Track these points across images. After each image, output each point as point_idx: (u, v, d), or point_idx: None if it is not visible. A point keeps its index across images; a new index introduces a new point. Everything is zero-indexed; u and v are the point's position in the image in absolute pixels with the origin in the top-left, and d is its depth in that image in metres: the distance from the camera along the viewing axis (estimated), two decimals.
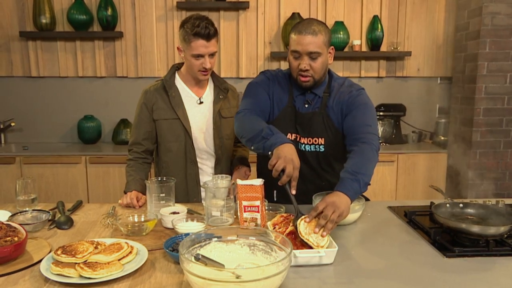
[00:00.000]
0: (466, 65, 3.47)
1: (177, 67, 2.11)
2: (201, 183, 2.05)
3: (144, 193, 1.87)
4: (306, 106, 1.81)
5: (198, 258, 1.07)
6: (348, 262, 1.31)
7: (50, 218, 1.63)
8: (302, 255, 1.26)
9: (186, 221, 1.52)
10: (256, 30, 3.66)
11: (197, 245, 1.20)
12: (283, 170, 1.44)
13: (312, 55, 1.68)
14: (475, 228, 1.38)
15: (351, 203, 1.44)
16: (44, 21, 3.45)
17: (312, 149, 1.81)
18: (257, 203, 1.49)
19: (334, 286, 1.18)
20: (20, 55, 3.60)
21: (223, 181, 1.74)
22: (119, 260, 1.24)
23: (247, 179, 2.04)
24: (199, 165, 2.07)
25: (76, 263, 1.20)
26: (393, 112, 3.70)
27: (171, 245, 1.34)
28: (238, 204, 1.54)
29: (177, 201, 1.78)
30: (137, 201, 1.84)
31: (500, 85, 3.33)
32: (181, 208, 1.67)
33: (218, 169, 2.08)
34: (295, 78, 1.76)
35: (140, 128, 2.05)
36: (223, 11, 3.62)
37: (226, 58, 3.69)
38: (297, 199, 1.47)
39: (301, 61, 1.70)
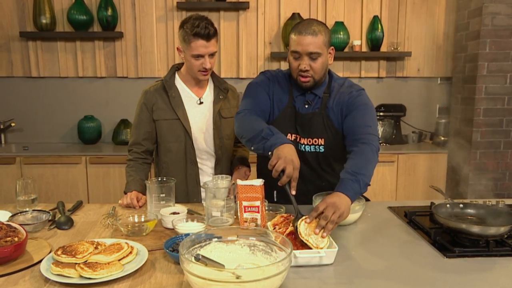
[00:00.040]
0: (466, 65, 3.47)
1: (177, 68, 2.11)
2: (201, 184, 2.05)
3: (144, 194, 1.87)
4: (306, 106, 1.81)
5: (198, 259, 1.07)
6: (348, 263, 1.31)
7: (50, 218, 1.63)
8: (302, 256, 1.26)
9: (186, 221, 1.52)
10: (256, 31, 3.66)
11: (197, 246, 1.20)
12: (283, 171, 1.44)
13: (312, 56, 1.68)
14: (475, 229, 1.38)
15: (352, 203, 1.44)
16: (44, 21, 3.45)
17: (312, 150, 1.81)
18: (257, 203, 1.49)
19: (334, 286, 1.18)
20: (20, 55, 3.60)
21: (223, 182, 1.74)
22: (119, 260, 1.24)
23: (247, 179, 2.04)
24: (199, 165, 2.07)
25: (76, 263, 1.20)
26: (393, 112, 3.70)
27: (171, 246, 1.34)
28: (238, 205, 1.54)
29: (177, 202, 1.78)
30: (137, 202, 1.84)
31: (500, 86, 3.33)
32: (181, 208, 1.67)
33: (218, 170, 2.08)
34: (295, 78, 1.76)
35: (140, 129, 2.05)
36: (223, 11, 3.63)
37: (226, 59, 3.69)
38: (297, 200, 1.47)
39: (301, 62, 1.70)
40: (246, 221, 1.51)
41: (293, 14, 3.57)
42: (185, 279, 1.17)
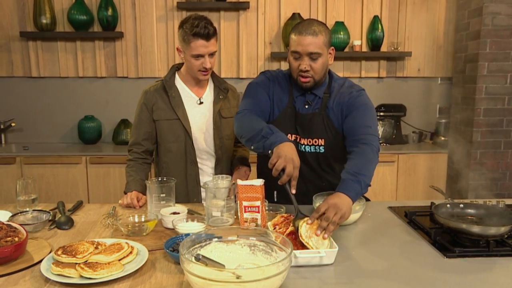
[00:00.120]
0: (466, 65, 3.47)
1: (177, 68, 2.11)
2: (201, 184, 2.05)
3: (144, 194, 1.87)
4: (306, 107, 1.81)
5: (199, 259, 1.07)
6: (349, 263, 1.31)
7: (50, 218, 1.63)
8: (303, 256, 1.26)
9: (187, 221, 1.52)
10: (257, 31, 3.66)
11: (197, 246, 1.20)
12: (283, 170, 1.44)
13: (313, 56, 1.68)
14: (476, 229, 1.38)
15: (353, 204, 1.44)
16: (44, 21, 3.45)
17: (312, 150, 1.81)
18: (258, 203, 1.49)
19: (334, 286, 1.18)
20: (20, 55, 3.60)
21: (224, 182, 1.74)
22: (119, 260, 1.24)
23: (247, 179, 2.04)
24: (199, 165, 2.07)
25: (76, 263, 1.20)
26: (394, 112, 3.70)
27: (171, 245, 1.34)
28: (238, 205, 1.54)
29: (177, 202, 1.78)
30: (137, 201, 1.84)
31: (501, 86, 3.33)
32: (182, 208, 1.67)
33: (218, 170, 2.08)
34: (295, 78, 1.76)
35: (140, 129, 2.05)
36: (224, 11, 3.62)
37: (226, 59, 3.69)
38: (297, 200, 1.47)
39: (301, 62, 1.70)
40: (246, 221, 1.51)
41: (293, 14, 3.57)
42: (185, 279, 1.17)
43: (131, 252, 1.28)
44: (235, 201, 1.65)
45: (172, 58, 3.64)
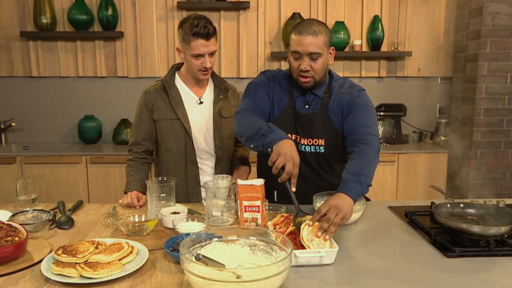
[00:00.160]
0: (466, 65, 3.47)
1: (177, 67, 2.11)
2: (202, 183, 2.05)
3: (144, 193, 1.87)
4: (306, 107, 1.81)
5: (199, 258, 1.07)
6: (349, 262, 1.31)
7: (50, 218, 1.63)
8: (303, 255, 1.26)
9: (187, 221, 1.52)
10: (257, 30, 3.66)
11: (197, 245, 1.20)
12: (283, 168, 1.44)
13: (313, 56, 1.68)
14: (476, 228, 1.38)
15: (354, 204, 1.43)
16: (44, 21, 3.45)
17: (312, 150, 1.81)
18: (258, 203, 1.49)
19: (334, 286, 1.18)
20: (20, 55, 3.60)
21: (224, 181, 1.74)
22: (119, 260, 1.24)
23: (247, 178, 2.04)
24: (199, 165, 2.07)
25: (76, 263, 1.20)
26: (394, 112, 3.70)
27: (171, 245, 1.34)
28: (238, 204, 1.54)
29: (177, 201, 1.78)
30: (138, 201, 1.84)
31: (501, 85, 3.33)
32: (182, 208, 1.67)
33: (219, 169, 2.08)
34: (296, 78, 1.76)
35: (140, 129, 2.05)
36: (224, 11, 3.62)
37: (226, 58, 3.69)
38: (297, 200, 1.47)
39: (301, 62, 1.70)
40: (247, 221, 1.51)
41: (294, 14, 3.57)
42: (186, 278, 1.17)
43: (131, 252, 1.28)
44: (235, 201, 1.65)
45: (172, 58, 3.64)
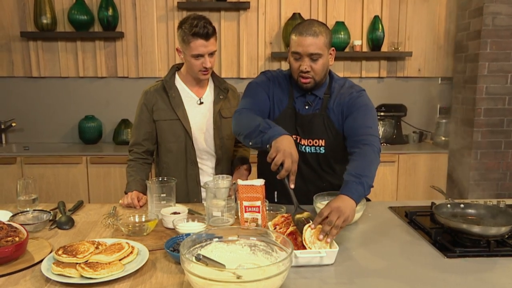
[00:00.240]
0: (467, 65, 3.47)
1: (177, 68, 2.11)
2: (202, 184, 2.05)
3: (144, 194, 1.87)
4: (307, 107, 1.81)
5: (199, 258, 1.07)
6: (349, 263, 1.31)
7: (51, 218, 1.63)
8: (303, 256, 1.26)
9: (187, 221, 1.52)
10: (257, 30, 3.66)
11: (198, 245, 1.20)
12: (282, 164, 1.44)
13: (313, 57, 1.68)
14: (476, 229, 1.37)
15: (356, 206, 1.43)
16: (45, 21, 3.45)
17: (312, 151, 1.81)
18: (258, 203, 1.49)
19: (335, 286, 1.18)
20: (21, 55, 3.60)
21: (224, 181, 1.74)
22: (120, 260, 1.24)
23: (247, 178, 2.04)
24: (199, 165, 2.07)
25: (77, 263, 1.20)
26: (394, 112, 3.70)
27: (172, 245, 1.34)
28: (239, 205, 1.54)
29: (177, 202, 1.78)
30: (138, 201, 1.84)
31: (501, 86, 3.33)
32: (182, 208, 1.67)
33: (219, 169, 2.08)
34: (296, 79, 1.76)
35: (140, 129, 2.05)
36: (224, 11, 3.62)
37: (226, 58, 3.69)
38: (298, 200, 1.47)
39: (301, 63, 1.70)
40: (247, 221, 1.51)
41: (294, 14, 3.57)
42: (186, 279, 1.17)
43: (131, 252, 1.28)
44: (236, 201, 1.65)
45: (173, 58, 3.64)
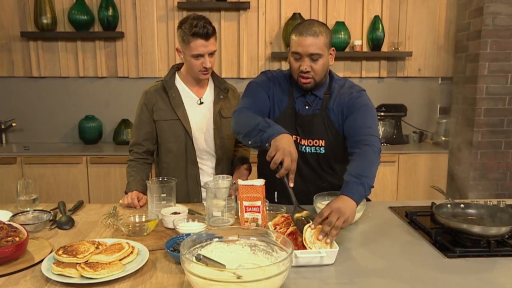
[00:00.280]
0: (467, 65, 3.47)
1: (177, 68, 2.11)
2: (202, 184, 2.05)
3: (145, 194, 1.87)
4: (307, 107, 1.81)
5: (199, 259, 1.07)
6: (349, 263, 1.31)
7: (51, 218, 1.63)
8: (303, 256, 1.26)
9: (187, 221, 1.52)
10: (257, 30, 3.67)
11: (198, 246, 1.20)
12: (281, 163, 1.44)
13: (313, 57, 1.68)
14: (476, 229, 1.37)
15: (357, 206, 1.43)
16: (45, 21, 3.45)
17: (312, 151, 1.81)
18: (258, 203, 1.49)
19: (335, 286, 1.18)
20: (21, 55, 3.61)
21: (224, 181, 1.74)
22: (120, 260, 1.24)
23: (247, 178, 2.04)
24: (199, 165, 2.07)
25: (77, 263, 1.20)
26: (394, 112, 3.70)
27: (172, 245, 1.34)
28: (239, 205, 1.54)
29: (177, 202, 1.78)
30: (138, 201, 1.84)
31: (501, 86, 3.33)
32: (182, 208, 1.67)
33: (219, 170, 2.08)
34: (296, 79, 1.76)
35: (141, 129, 2.05)
36: (224, 11, 3.62)
37: (227, 58, 3.69)
38: (298, 200, 1.47)
39: (302, 63, 1.69)
40: (247, 221, 1.51)
41: (294, 14, 3.57)
42: (186, 279, 1.17)
43: (131, 252, 1.29)
44: (236, 201, 1.65)
45: (173, 58, 3.64)
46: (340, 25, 3.59)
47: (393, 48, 3.71)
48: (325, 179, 1.85)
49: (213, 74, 2.10)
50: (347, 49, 3.67)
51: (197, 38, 1.87)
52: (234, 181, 1.72)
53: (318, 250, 1.28)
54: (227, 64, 3.69)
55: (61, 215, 1.65)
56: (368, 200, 1.90)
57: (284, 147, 1.45)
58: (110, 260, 1.22)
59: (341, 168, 1.57)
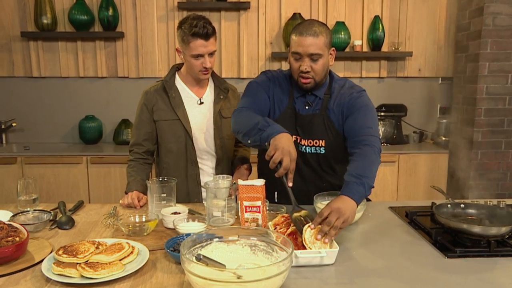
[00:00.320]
0: (467, 65, 3.47)
1: (177, 68, 2.11)
2: (202, 184, 2.05)
3: (145, 194, 1.87)
4: (307, 108, 1.81)
5: (199, 259, 1.07)
6: (349, 263, 1.31)
7: (51, 218, 1.63)
8: (303, 256, 1.26)
9: (187, 221, 1.52)
10: (257, 30, 3.67)
11: (198, 246, 1.20)
12: (280, 162, 1.44)
13: (313, 57, 1.68)
14: (477, 229, 1.37)
15: (357, 206, 1.43)
16: (45, 21, 3.45)
17: (312, 151, 1.80)
18: (258, 203, 1.49)
19: (335, 286, 1.18)
20: (21, 55, 3.61)
21: (224, 181, 1.74)
22: (120, 260, 1.24)
23: (247, 178, 2.04)
24: (199, 165, 2.07)
25: (77, 263, 1.21)
26: (394, 112, 3.70)
27: (172, 245, 1.34)
28: (239, 205, 1.54)
29: (178, 202, 1.78)
30: (138, 201, 1.84)
31: (502, 86, 3.33)
32: (182, 208, 1.67)
33: (219, 170, 2.08)
34: (296, 79, 1.76)
35: (141, 129, 2.05)
36: (224, 11, 3.63)
37: (227, 58, 3.69)
38: (298, 200, 1.47)
39: (302, 63, 1.69)
40: (247, 221, 1.51)
41: (294, 14, 3.57)
42: (186, 279, 1.17)
43: (132, 252, 1.29)
44: (236, 201, 1.65)
45: (173, 58, 3.64)
46: (340, 25, 3.59)
47: (393, 48, 3.71)
48: (325, 179, 1.85)
49: (213, 74, 2.10)
50: (347, 49, 3.67)
51: (197, 38, 1.87)
52: (234, 181, 1.72)
53: (318, 250, 1.28)
54: (227, 64, 3.69)
55: (61, 215, 1.65)
56: (368, 200, 1.90)
57: (283, 147, 1.45)
58: (110, 260, 1.22)
59: (341, 168, 1.57)
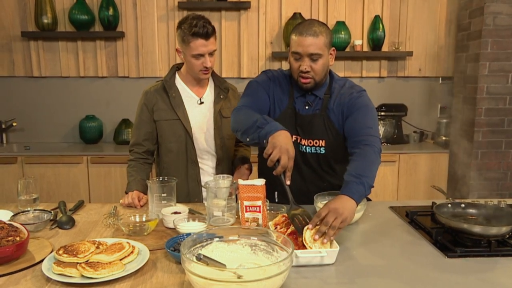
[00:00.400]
0: (467, 65, 3.47)
1: (177, 68, 2.11)
2: (202, 183, 2.05)
3: (145, 194, 1.87)
4: (307, 108, 1.80)
5: (200, 258, 1.07)
6: (350, 262, 1.31)
7: (51, 218, 1.63)
8: (304, 255, 1.26)
9: (188, 221, 1.52)
10: (258, 30, 3.66)
11: (198, 245, 1.20)
12: (278, 160, 1.44)
13: (313, 57, 1.67)
14: (477, 228, 1.37)
15: (357, 206, 1.43)
16: (45, 21, 3.45)
17: (312, 151, 1.80)
18: (259, 203, 1.49)
19: (335, 286, 1.18)
20: (22, 55, 3.61)
21: (225, 181, 1.74)
22: (120, 260, 1.24)
23: (248, 178, 2.04)
24: (200, 165, 2.07)
25: (77, 263, 1.21)
26: (395, 112, 3.70)
27: (172, 245, 1.34)
28: (239, 204, 1.54)
29: (178, 201, 1.78)
30: (139, 201, 1.84)
31: (502, 85, 3.33)
32: (183, 208, 1.67)
33: (219, 169, 2.08)
34: (296, 79, 1.75)
35: (141, 129, 2.05)
36: (225, 11, 3.62)
37: (227, 58, 3.69)
38: (298, 200, 1.47)
39: (301, 63, 1.69)
40: (248, 221, 1.51)
41: (294, 13, 3.57)
42: (187, 278, 1.17)
43: (132, 252, 1.29)
44: (236, 201, 1.65)
45: (173, 58, 3.64)
46: (341, 25, 3.59)
47: (394, 48, 3.71)
48: (325, 179, 1.85)
49: (213, 74, 2.10)
50: (347, 49, 3.67)
51: (197, 38, 1.87)
52: (234, 181, 1.72)
53: (319, 250, 1.28)
54: (228, 64, 3.69)
55: (61, 215, 1.65)
56: (368, 200, 1.90)
57: (281, 145, 1.44)
58: (111, 259, 1.22)
59: (341, 168, 1.57)
